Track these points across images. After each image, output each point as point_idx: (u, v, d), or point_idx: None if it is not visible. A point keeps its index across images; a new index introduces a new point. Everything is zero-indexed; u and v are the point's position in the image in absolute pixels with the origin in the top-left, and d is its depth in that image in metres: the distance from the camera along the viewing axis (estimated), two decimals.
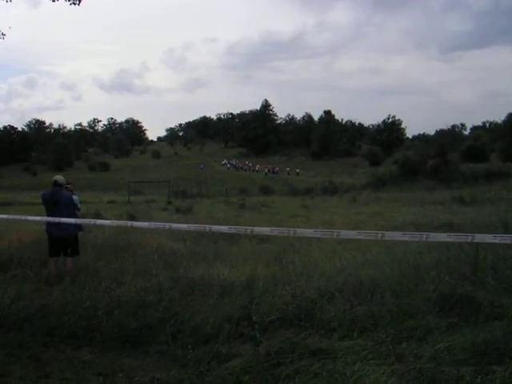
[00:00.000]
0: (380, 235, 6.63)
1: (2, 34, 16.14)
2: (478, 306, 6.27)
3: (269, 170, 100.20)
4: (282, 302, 6.83)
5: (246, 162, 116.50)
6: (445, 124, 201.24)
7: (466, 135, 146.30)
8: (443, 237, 6.99)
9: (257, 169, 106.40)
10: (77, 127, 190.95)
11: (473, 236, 6.19)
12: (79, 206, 10.94)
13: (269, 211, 30.29)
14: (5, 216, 10.48)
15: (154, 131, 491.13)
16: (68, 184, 10.42)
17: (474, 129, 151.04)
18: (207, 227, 8.19)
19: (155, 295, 7.34)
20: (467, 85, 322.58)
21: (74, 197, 10.33)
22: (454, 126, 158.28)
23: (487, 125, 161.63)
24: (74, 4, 14.75)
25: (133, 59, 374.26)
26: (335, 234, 6.96)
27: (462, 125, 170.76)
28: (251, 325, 5.63)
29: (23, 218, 10.14)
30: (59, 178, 9.92)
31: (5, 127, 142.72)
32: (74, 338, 6.32)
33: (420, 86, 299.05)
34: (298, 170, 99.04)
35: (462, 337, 5.50)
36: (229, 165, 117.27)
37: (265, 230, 7.85)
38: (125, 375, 5.21)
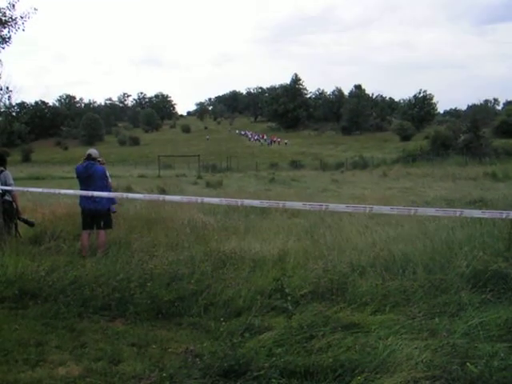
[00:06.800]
0: (413, 211, 6.56)
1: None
2: None
3: (271, 141, 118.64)
4: (314, 275, 6.83)
5: (261, 135, 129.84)
6: (477, 98, 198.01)
7: (499, 110, 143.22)
8: (477, 213, 6.89)
9: (263, 139, 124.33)
10: (107, 102, 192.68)
11: (508, 213, 6.10)
12: (110, 179, 11.02)
13: (299, 186, 30.31)
14: (39, 189, 10.56)
15: (184, 106, 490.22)
16: (100, 157, 10.47)
17: (508, 103, 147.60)
18: (239, 201, 8.17)
19: (187, 268, 7.36)
20: (500, 58, 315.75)
21: None
22: (486, 101, 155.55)
23: None
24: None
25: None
26: (368, 209, 6.91)
27: (495, 99, 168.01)
28: (284, 297, 5.62)
29: (56, 191, 10.23)
30: (93, 151, 9.98)
31: (36, 102, 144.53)
32: (108, 309, 6.42)
33: (452, 59, 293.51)
34: (286, 141, 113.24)
35: (496, 313, 5.46)
36: (249, 136, 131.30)
37: (297, 205, 7.81)
38: (158, 346, 5.28)
